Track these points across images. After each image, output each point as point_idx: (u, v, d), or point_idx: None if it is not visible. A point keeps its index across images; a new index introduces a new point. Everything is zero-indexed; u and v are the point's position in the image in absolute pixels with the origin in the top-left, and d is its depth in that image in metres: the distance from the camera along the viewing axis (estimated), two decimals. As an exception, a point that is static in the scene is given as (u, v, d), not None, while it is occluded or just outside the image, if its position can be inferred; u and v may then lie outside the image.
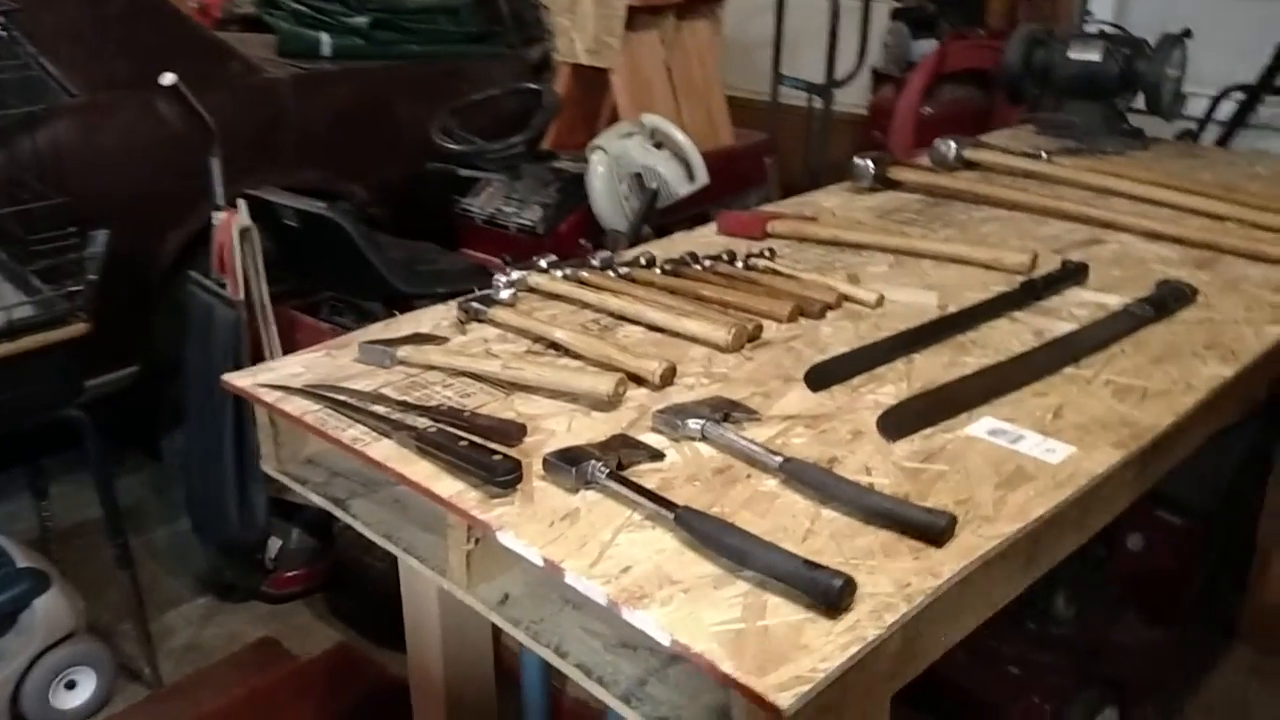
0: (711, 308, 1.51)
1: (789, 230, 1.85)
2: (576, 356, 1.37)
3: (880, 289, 1.59)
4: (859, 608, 0.91)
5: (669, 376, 1.30)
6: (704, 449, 1.16)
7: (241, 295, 2.24)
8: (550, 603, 1.11)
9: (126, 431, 2.89)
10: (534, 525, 1.02)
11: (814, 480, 1.07)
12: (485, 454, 1.09)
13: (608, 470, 1.07)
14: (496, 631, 1.60)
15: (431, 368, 1.35)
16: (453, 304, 1.54)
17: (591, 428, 1.20)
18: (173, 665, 2.33)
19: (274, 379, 1.35)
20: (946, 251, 1.74)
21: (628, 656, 1.03)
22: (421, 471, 1.12)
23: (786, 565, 0.92)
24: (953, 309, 1.55)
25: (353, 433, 1.21)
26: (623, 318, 1.49)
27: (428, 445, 1.13)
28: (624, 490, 1.05)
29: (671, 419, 1.18)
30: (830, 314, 1.53)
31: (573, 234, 2.80)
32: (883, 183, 2.12)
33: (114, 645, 2.30)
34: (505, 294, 1.53)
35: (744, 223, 1.87)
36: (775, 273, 1.66)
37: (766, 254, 1.72)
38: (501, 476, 1.06)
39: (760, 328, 1.45)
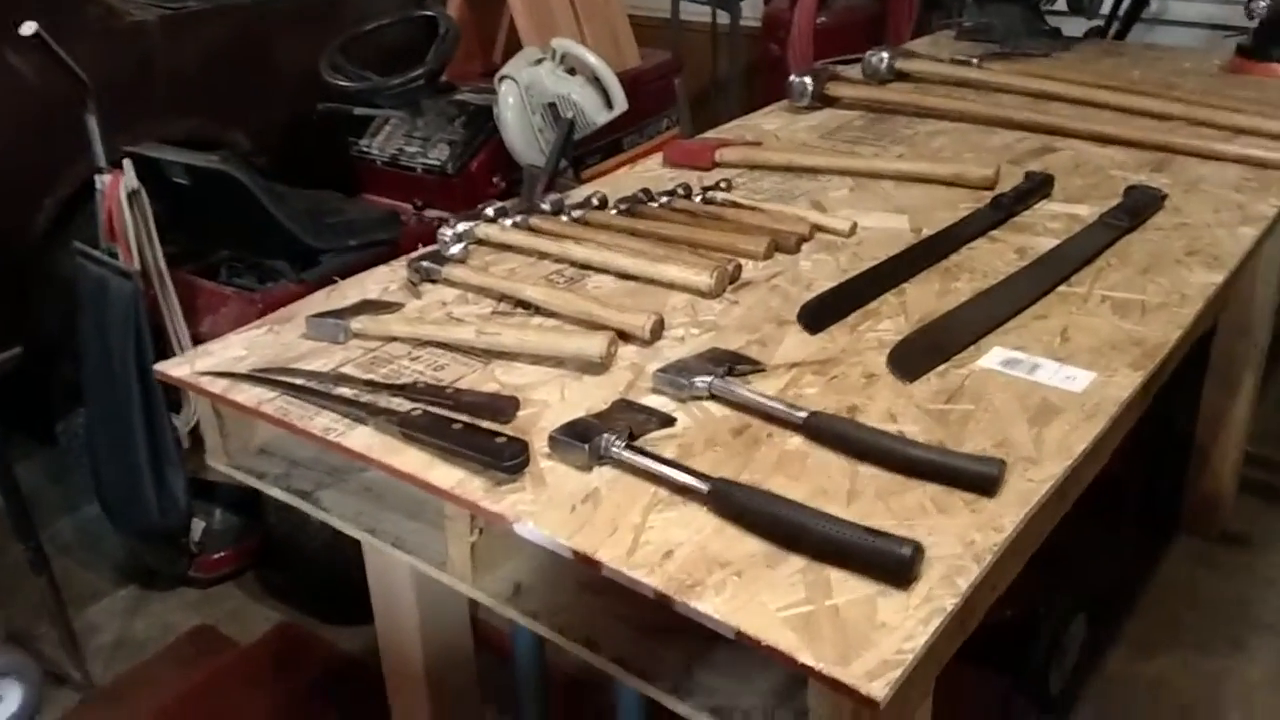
0: (681, 249, 1.41)
1: (739, 158, 1.75)
2: (550, 314, 1.26)
3: (849, 216, 1.52)
4: (929, 574, 0.84)
5: (659, 330, 1.20)
6: (715, 409, 1.07)
7: (136, 264, 2.04)
8: (565, 588, 1.02)
9: (12, 416, 2.66)
10: (554, 513, 0.93)
11: (844, 435, 0.99)
12: (485, 437, 0.98)
13: (624, 443, 0.98)
14: (474, 603, 1.50)
15: (393, 339, 1.22)
16: (398, 264, 1.41)
17: (587, 395, 1.10)
18: (102, 665, 2.17)
19: (214, 365, 1.20)
20: (907, 170, 1.67)
21: (666, 641, 0.95)
22: (411, 461, 1.00)
23: (846, 536, 0.85)
24: (928, 232, 1.48)
25: (322, 421, 1.08)
26: (589, 267, 1.38)
27: (415, 431, 1.02)
28: (646, 463, 0.96)
29: (675, 378, 1.09)
30: (805, 246, 1.45)
31: (484, 172, 2.64)
32: (821, 100, 2.04)
33: (36, 650, 2.13)
34: (456, 249, 1.40)
35: (691, 153, 1.76)
36: (737, 205, 1.56)
37: (723, 185, 1.62)
38: (509, 461, 0.96)
39: (740, 268, 1.36)
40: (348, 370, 1.17)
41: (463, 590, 1.03)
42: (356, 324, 1.23)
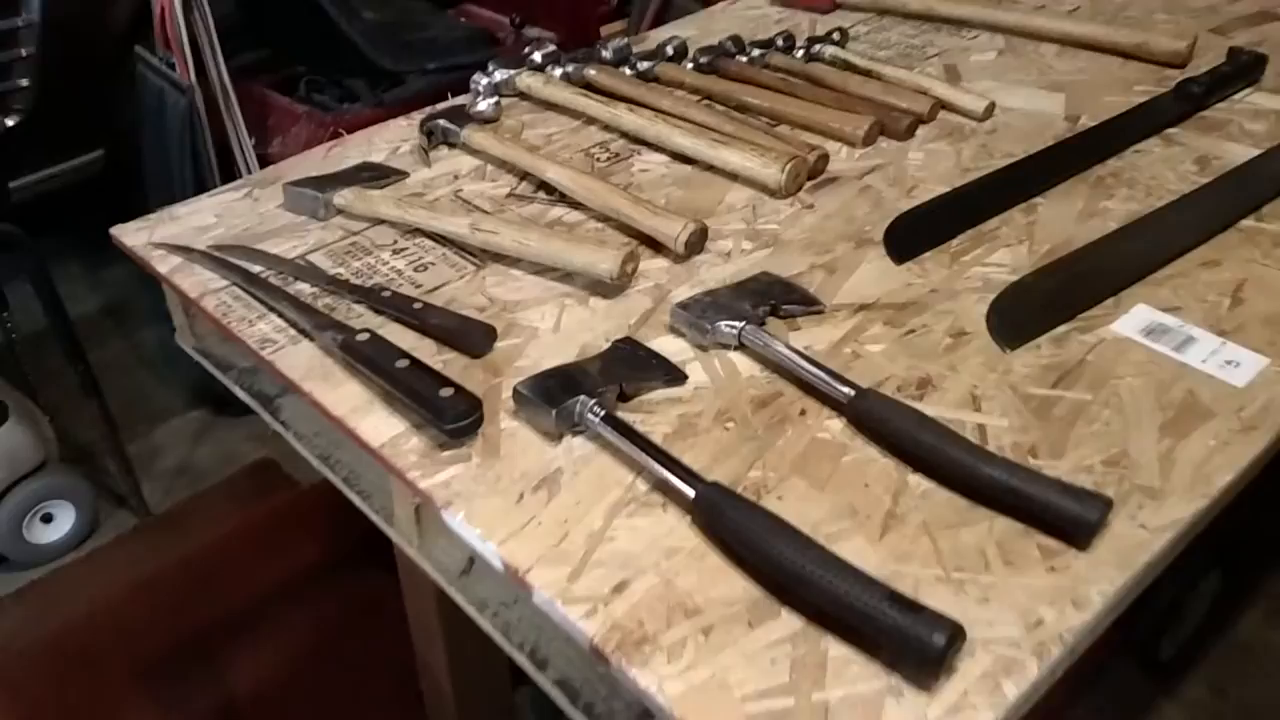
0: (760, 125, 1.13)
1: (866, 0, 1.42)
2: (574, 205, 1.02)
3: (988, 91, 1.20)
4: (967, 667, 0.60)
5: (699, 242, 0.95)
6: (742, 363, 0.83)
7: (193, 76, 1.86)
8: (531, 569, 0.82)
9: (110, 216, 2.59)
10: (496, 499, 0.72)
11: (898, 431, 0.74)
12: (432, 383, 0.77)
13: (604, 411, 0.75)
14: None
15: (380, 222, 1.01)
16: (416, 117, 1.17)
17: (588, 324, 0.87)
18: (163, 490, 2.13)
19: (174, 234, 1.02)
20: (1074, 33, 1.32)
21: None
22: (348, 398, 0.81)
23: (862, 599, 0.61)
24: (1086, 122, 1.16)
25: (263, 328, 0.89)
26: (640, 141, 1.12)
27: (355, 360, 0.81)
28: (626, 445, 0.73)
29: (698, 318, 0.84)
30: (921, 130, 1.15)
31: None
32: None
33: (102, 467, 2.10)
34: (485, 105, 1.15)
35: (806, -10, 1.44)
36: (848, 66, 1.26)
37: (836, 36, 1.31)
38: (451, 423, 0.74)
39: (825, 158, 1.07)
40: (316, 259, 0.97)
41: (409, 554, 0.85)
42: (340, 198, 1.02)
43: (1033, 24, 1.34)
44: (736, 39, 1.28)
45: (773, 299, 0.87)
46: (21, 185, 2.32)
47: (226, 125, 1.96)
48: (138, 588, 1.93)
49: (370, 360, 0.80)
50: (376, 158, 1.11)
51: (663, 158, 1.10)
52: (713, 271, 0.93)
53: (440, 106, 1.17)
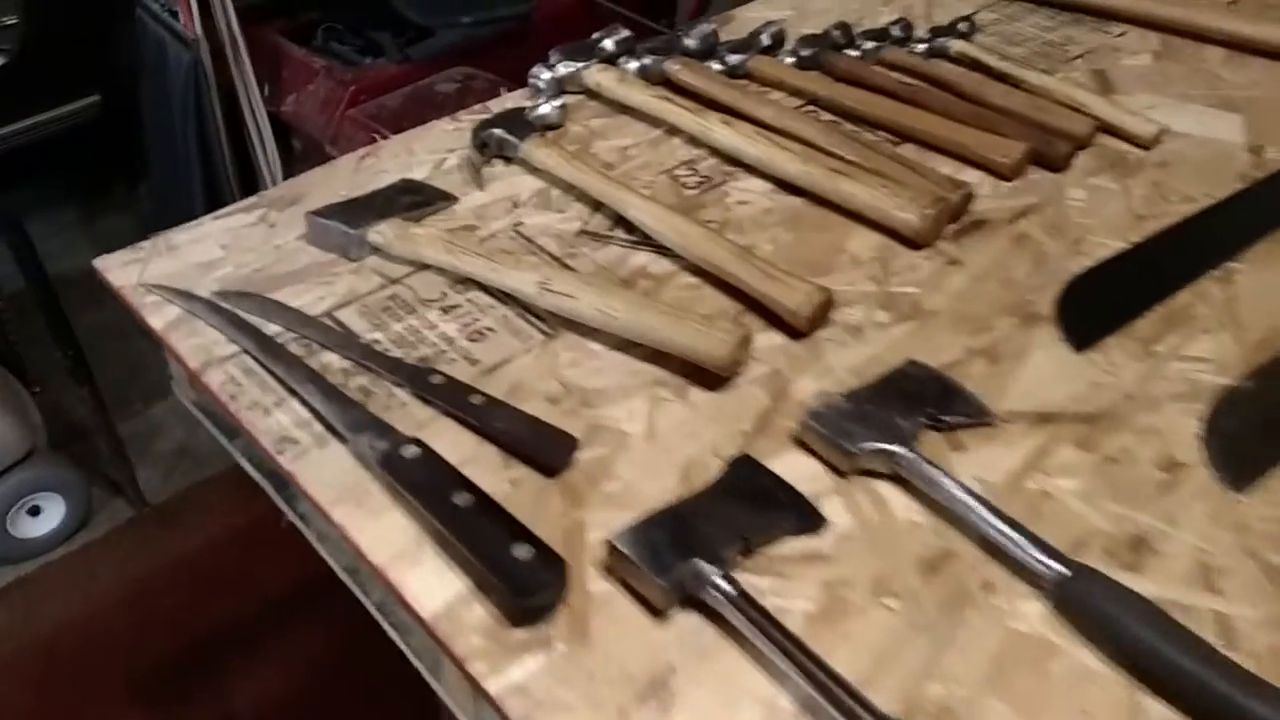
0: (880, 144, 0.93)
1: (989, -20, 1.20)
2: (660, 250, 0.82)
3: (1149, 106, 0.99)
4: None
5: (824, 313, 0.76)
6: (897, 500, 0.64)
7: (198, 26, 1.65)
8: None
9: (110, 161, 2.39)
10: (589, 716, 0.54)
11: (1127, 630, 0.56)
12: (500, 533, 0.58)
13: (734, 590, 0.57)
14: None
15: (424, 267, 0.81)
16: (464, 119, 0.97)
17: (690, 428, 0.69)
18: (161, 474, 1.97)
19: (172, 272, 0.83)
20: (1247, 34, 1.10)
21: None
22: (391, 537, 0.62)
23: None
24: (1273, 155, 0.95)
25: (281, 420, 0.70)
26: (736, 162, 0.92)
27: (402, 485, 0.63)
28: (767, 646, 0.55)
29: (838, 436, 0.65)
30: (1078, 159, 0.95)
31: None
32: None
33: (96, 448, 1.93)
34: (548, 108, 0.95)
35: (920, -34, 1.22)
36: (978, 66, 1.05)
37: (963, 26, 1.10)
38: (526, 597, 0.56)
39: (970, 196, 0.88)
40: (347, 316, 0.77)
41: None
42: (377, 235, 0.82)
43: (1196, 21, 1.12)
44: (844, 27, 1.07)
45: (928, 405, 0.68)
46: (12, 131, 2.12)
47: (235, 80, 1.75)
48: (131, 590, 1.77)
49: (420, 489, 0.62)
50: (418, 173, 0.91)
51: (764, 185, 0.90)
52: (841, 355, 0.74)
53: (495, 110, 0.96)
